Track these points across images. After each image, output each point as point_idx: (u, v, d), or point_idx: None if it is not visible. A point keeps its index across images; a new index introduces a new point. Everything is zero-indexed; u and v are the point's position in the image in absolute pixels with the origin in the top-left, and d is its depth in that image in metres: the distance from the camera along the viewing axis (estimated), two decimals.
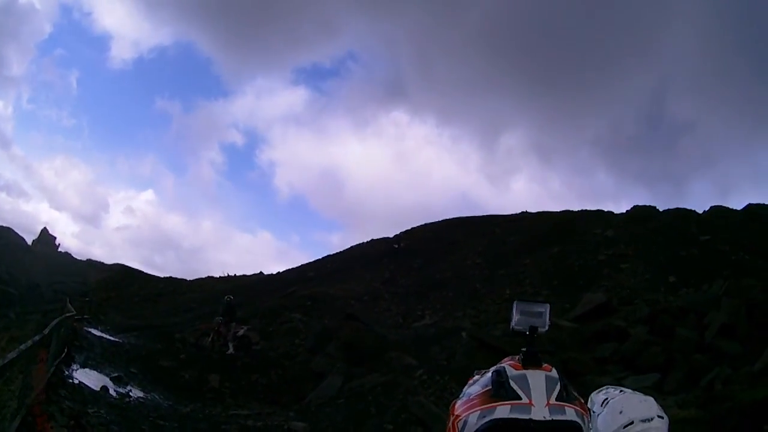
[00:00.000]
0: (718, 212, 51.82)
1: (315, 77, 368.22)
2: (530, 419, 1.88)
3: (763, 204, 52.45)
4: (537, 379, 2.00)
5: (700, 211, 52.43)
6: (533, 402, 1.92)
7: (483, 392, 2.00)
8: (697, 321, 23.46)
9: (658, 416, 3.18)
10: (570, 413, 1.93)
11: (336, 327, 32.71)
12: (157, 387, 23.79)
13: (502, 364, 2.08)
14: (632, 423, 3.12)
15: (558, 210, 60.97)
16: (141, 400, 21.30)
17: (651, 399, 3.28)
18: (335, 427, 20.72)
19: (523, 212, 62.24)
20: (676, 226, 46.89)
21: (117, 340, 30.17)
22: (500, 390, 1.96)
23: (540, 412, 1.90)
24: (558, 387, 1.98)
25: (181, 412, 20.76)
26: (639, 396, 3.29)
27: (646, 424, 3.12)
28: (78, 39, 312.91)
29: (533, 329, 2.20)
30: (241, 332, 31.32)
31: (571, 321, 27.42)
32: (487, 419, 1.90)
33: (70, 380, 19.46)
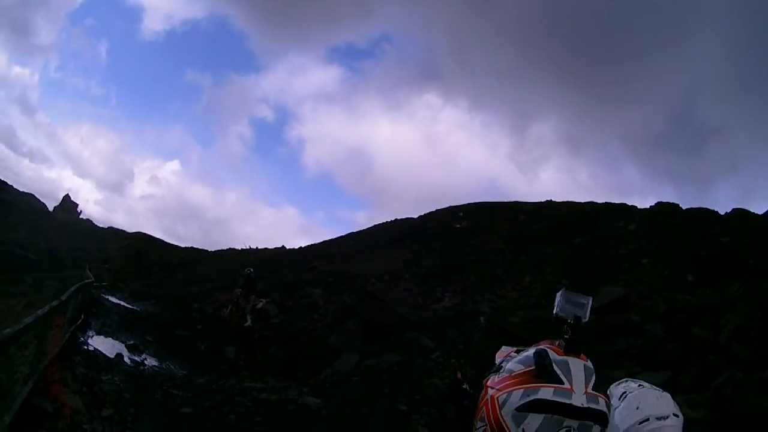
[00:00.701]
0: (740, 215, 51.56)
1: (348, 56, 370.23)
2: (570, 404, 1.97)
3: None
4: (577, 367, 2.08)
5: (722, 213, 52.36)
6: (574, 388, 2.00)
7: (525, 371, 2.08)
8: (712, 321, 23.29)
9: (674, 414, 3.18)
10: (602, 404, 2.04)
11: (355, 304, 32.76)
12: (172, 356, 23.93)
13: (543, 347, 2.14)
14: (648, 420, 3.12)
15: (583, 201, 60.85)
16: (155, 368, 21.42)
17: (668, 395, 3.28)
18: (349, 404, 20.55)
19: (548, 201, 62.14)
20: (698, 226, 46.55)
21: (134, 307, 30.47)
22: (543, 371, 2.04)
23: (579, 398, 1.99)
24: (594, 377, 2.09)
25: (195, 383, 20.84)
26: (657, 392, 3.28)
27: (661, 422, 3.12)
28: (110, 9, 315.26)
29: (578, 319, 2.27)
30: (260, 305, 31.42)
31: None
32: (531, 398, 1.99)
33: (85, 347, 19.58)
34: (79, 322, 20.97)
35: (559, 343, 2.16)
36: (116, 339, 22.96)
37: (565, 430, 1.94)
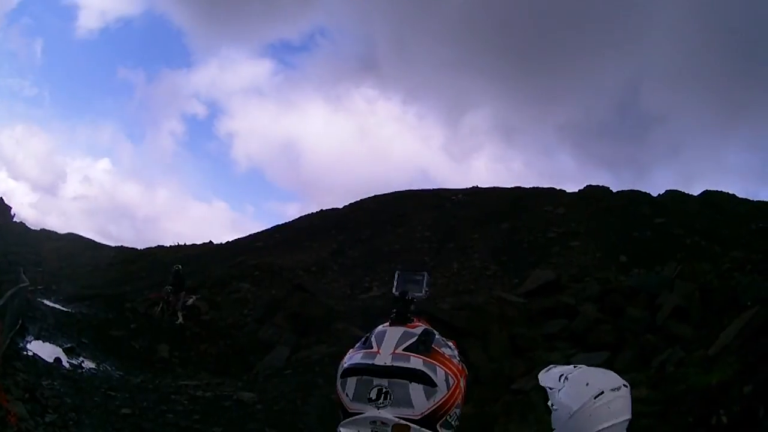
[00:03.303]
0: (674, 196, 52.67)
1: (283, 50, 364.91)
2: (373, 363, 2.08)
3: (720, 191, 53.53)
4: (394, 333, 2.17)
5: (656, 195, 53.28)
6: (380, 351, 2.10)
7: (357, 345, 2.21)
8: (648, 302, 23.31)
9: (624, 385, 3.18)
10: (415, 362, 2.07)
11: (284, 297, 33.22)
12: (108, 357, 24.17)
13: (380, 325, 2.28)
14: (602, 393, 3.09)
15: (510, 186, 60.91)
16: (93, 371, 21.69)
17: (611, 371, 3.30)
18: (283, 398, 21.04)
19: (474, 187, 62.22)
20: (630, 208, 47.69)
21: (69, 310, 30.35)
22: (365, 342, 2.18)
23: (383, 359, 2.08)
24: (413, 340, 2.14)
25: (132, 383, 21.09)
26: (599, 369, 3.31)
27: (617, 392, 3.11)
28: (46, 8, 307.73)
29: (404, 293, 2.35)
30: (190, 302, 31.47)
31: (519, 296, 27.42)
32: (345, 364, 2.15)
33: (25, 352, 19.85)
34: (17, 328, 21.20)
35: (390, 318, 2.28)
36: (53, 343, 23.08)
37: (377, 388, 2.06)
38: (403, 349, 2.10)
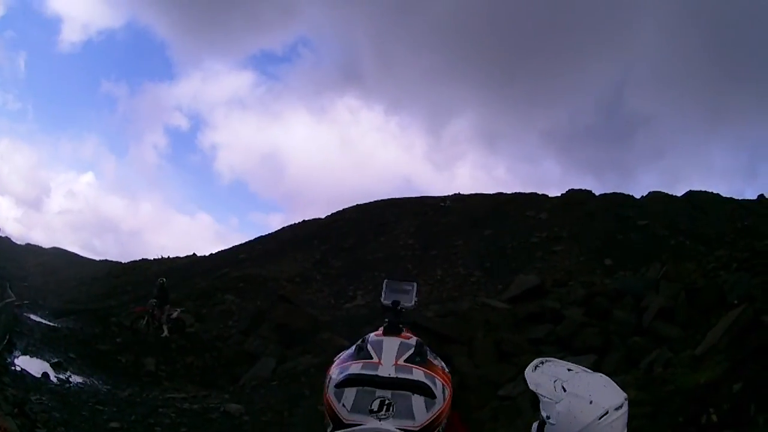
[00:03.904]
0: (657, 198, 52.83)
1: (265, 62, 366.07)
2: (376, 375, 2.07)
3: (704, 191, 53.86)
4: (391, 344, 2.20)
5: (638, 197, 53.56)
6: (382, 362, 2.11)
7: (349, 354, 2.22)
8: (634, 304, 23.09)
9: (625, 398, 3.05)
10: (417, 374, 2.09)
11: (268, 309, 33.36)
12: (95, 371, 24.16)
13: (368, 334, 2.30)
14: (607, 413, 2.95)
15: (491, 192, 61.13)
16: (80, 385, 21.69)
17: (607, 378, 3.16)
18: (270, 409, 21.17)
19: (455, 194, 62.41)
20: (613, 210, 47.89)
21: (55, 325, 30.34)
22: (360, 352, 2.18)
23: (386, 370, 2.09)
24: (411, 351, 2.17)
25: (119, 397, 21.16)
26: (595, 377, 3.15)
27: (620, 411, 2.98)
28: (29, 21, 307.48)
29: (396, 303, 2.44)
30: (175, 314, 31.44)
31: (504, 302, 27.12)
32: (344, 374, 2.11)
33: (13, 367, 19.90)
34: (4, 343, 21.30)
35: (382, 328, 2.31)
36: (41, 358, 23.05)
37: (379, 399, 2.05)
38: (404, 361, 2.13)
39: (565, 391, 3.04)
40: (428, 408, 2.07)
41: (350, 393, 2.09)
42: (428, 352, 2.23)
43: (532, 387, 3.15)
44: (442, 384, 2.13)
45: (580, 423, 2.96)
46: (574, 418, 2.98)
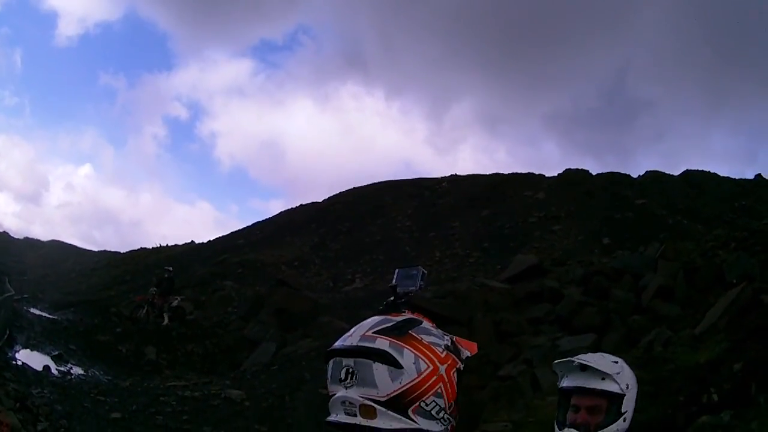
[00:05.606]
0: (654, 177, 52.90)
1: (265, 49, 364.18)
2: (342, 344, 2.15)
3: (701, 170, 53.84)
4: (372, 319, 2.22)
5: (635, 176, 53.55)
6: (353, 334, 2.16)
7: None
8: (633, 283, 23.19)
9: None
10: (381, 343, 2.09)
11: (267, 293, 33.37)
12: (96, 362, 24.29)
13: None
14: (636, 386, 3.42)
15: (488, 173, 60.85)
16: (82, 377, 21.80)
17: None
18: (271, 394, 21.18)
19: (452, 175, 62.11)
20: (610, 190, 47.87)
21: (55, 317, 30.37)
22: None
23: (353, 340, 2.13)
24: (388, 325, 2.16)
25: (120, 387, 21.17)
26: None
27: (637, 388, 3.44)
28: (25, 16, 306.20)
29: (395, 287, 2.44)
30: (175, 303, 31.40)
31: (503, 282, 27.17)
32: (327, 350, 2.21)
33: (14, 361, 19.96)
34: (5, 338, 21.33)
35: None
36: (41, 351, 23.15)
37: (345, 368, 2.09)
38: (374, 332, 2.13)
39: (616, 363, 3.46)
40: (393, 378, 2.06)
41: (329, 366, 2.17)
42: (424, 329, 2.21)
43: (605, 370, 3.39)
44: (415, 356, 2.10)
45: (635, 387, 3.40)
46: (633, 383, 3.41)
